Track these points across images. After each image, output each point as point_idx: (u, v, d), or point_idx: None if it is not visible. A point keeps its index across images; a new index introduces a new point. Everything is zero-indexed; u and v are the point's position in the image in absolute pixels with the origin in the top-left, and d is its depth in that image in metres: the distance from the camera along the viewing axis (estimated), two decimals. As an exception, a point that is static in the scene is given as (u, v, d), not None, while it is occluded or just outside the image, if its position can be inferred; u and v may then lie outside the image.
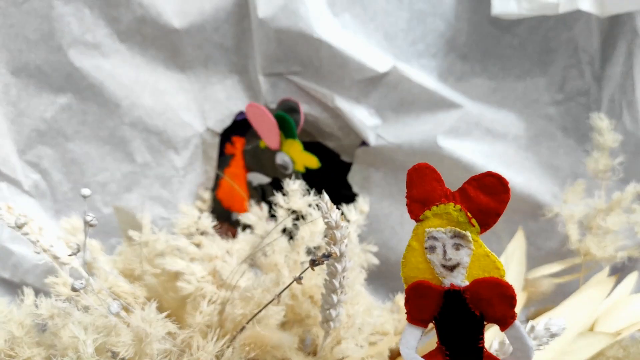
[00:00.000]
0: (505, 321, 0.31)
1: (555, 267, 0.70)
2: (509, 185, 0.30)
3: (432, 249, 0.32)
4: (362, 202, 0.60)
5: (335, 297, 0.42)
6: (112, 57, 0.76)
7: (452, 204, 0.31)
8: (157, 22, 0.76)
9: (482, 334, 0.32)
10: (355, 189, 0.86)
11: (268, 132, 0.77)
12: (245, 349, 0.44)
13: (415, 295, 0.33)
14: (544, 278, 0.67)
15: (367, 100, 0.80)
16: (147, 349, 0.41)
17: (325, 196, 0.37)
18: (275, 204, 0.55)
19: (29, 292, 0.52)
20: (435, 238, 0.32)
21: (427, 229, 0.32)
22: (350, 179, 0.86)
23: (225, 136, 0.86)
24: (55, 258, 0.48)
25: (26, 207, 0.75)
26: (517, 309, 0.54)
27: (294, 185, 0.54)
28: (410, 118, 0.80)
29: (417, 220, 0.32)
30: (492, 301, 0.31)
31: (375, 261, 0.64)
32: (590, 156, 0.71)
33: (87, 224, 0.45)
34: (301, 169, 0.76)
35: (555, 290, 0.61)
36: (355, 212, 0.58)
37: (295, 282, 0.42)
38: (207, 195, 0.89)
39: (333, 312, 0.43)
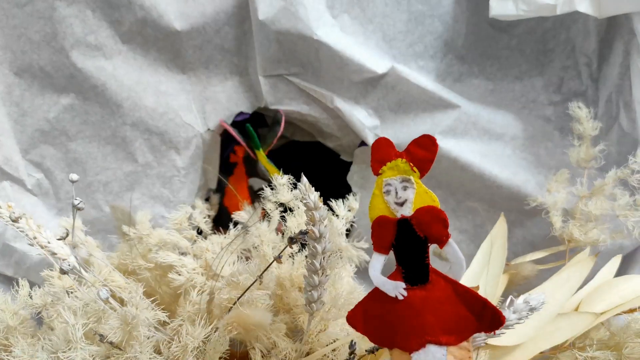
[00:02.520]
0: (442, 239, 0.41)
1: (539, 254, 0.72)
2: (437, 142, 0.42)
3: (388, 192, 0.42)
4: (352, 200, 0.61)
5: (316, 278, 0.45)
6: (114, 59, 0.77)
7: (400, 159, 0.42)
8: (159, 24, 0.77)
9: (427, 253, 0.41)
10: (354, 188, 0.86)
11: (242, 143, 0.80)
12: (228, 329, 0.45)
13: (378, 228, 0.43)
14: (527, 263, 0.69)
15: (366, 100, 0.81)
16: (134, 331, 0.42)
17: (304, 179, 0.43)
18: (263, 198, 0.56)
19: (24, 283, 0.53)
20: (389, 184, 0.42)
21: (384, 179, 0.42)
22: (349, 178, 0.87)
23: (226, 137, 0.87)
24: (53, 254, 0.49)
25: (29, 205, 0.76)
26: (498, 292, 0.61)
27: (282, 180, 0.56)
28: (408, 118, 0.80)
29: (377, 174, 0.43)
30: (430, 224, 0.41)
31: (368, 258, 0.64)
32: (573, 147, 0.73)
33: (75, 207, 0.47)
34: None
35: (540, 276, 0.62)
36: (344, 208, 0.59)
37: (276, 262, 0.44)
38: (215, 199, 0.90)
39: (315, 293, 0.45)
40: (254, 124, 0.83)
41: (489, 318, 0.39)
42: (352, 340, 0.47)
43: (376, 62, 0.78)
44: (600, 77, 0.80)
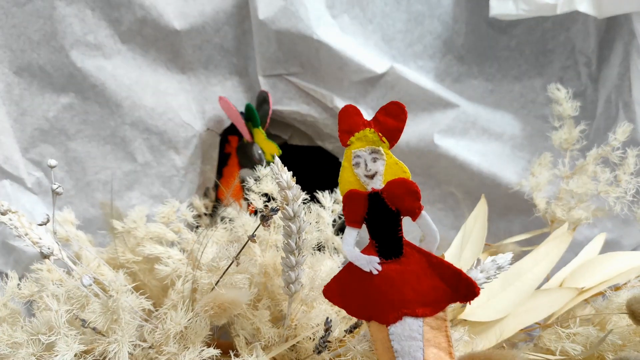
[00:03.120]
0: (414, 212, 0.40)
1: (522, 236, 0.72)
2: (406, 109, 0.40)
3: (357, 164, 0.41)
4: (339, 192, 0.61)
5: (293, 258, 0.45)
6: (114, 58, 0.77)
7: (368, 128, 0.41)
8: (158, 24, 0.77)
9: (400, 226, 0.41)
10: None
11: (238, 124, 0.80)
12: (205, 309, 0.45)
13: (348, 202, 0.42)
14: (509, 244, 0.70)
15: (366, 100, 0.81)
16: (115, 316, 0.42)
17: (277, 159, 0.43)
18: (247, 189, 0.57)
19: (13, 275, 0.54)
20: (358, 156, 0.41)
21: (353, 151, 0.41)
22: (349, 179, 0.87)
23: (225, 136, 0.87)
24: (44, 248, 0.49)
25: (29, 204, 0.77)
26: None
27: (265, 170, 0.56)
28: (407, 118, 0.80)
29: (346, 146, 0.42)
30: (402, 196, 0.40)
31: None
32: (555, 129, 0.74)
33: (54, 192, 0.47)
34: (270, 158, 0.78)
35: (522, 257, 0.62)
36: (331, 200, 0.59)
37: (259, 250, 0.44)
38: (212, 195, 0.90)
39: (292, 274, 0.46)
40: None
41: (464, 288, 0.39)
42: (327, 318, 0.46)
43: (376, 62, 0.79)
44: (599, 78, 0.80)
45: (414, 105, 0.80)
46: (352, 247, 0.42)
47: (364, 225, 0.43)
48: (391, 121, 0.40)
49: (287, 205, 0.43)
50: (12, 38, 0.72)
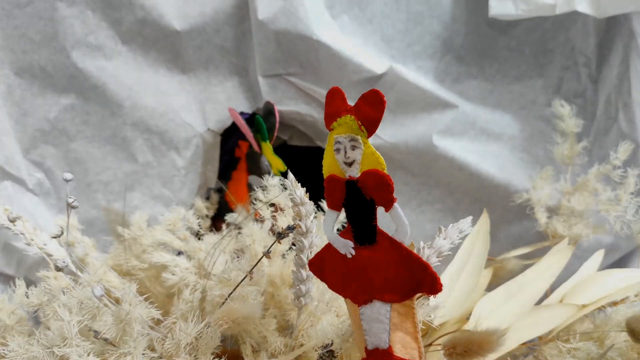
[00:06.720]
0: (387, 204, 0.40)
1: (524, 250, 0.74)
2: (385, 99, 0.38)
3: (338, 150, 0.40)
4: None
5: (304, 272, 0.46)
6: (115, 59, 0.78)
7: (349, 115, 0.39)
8: (159, 24, 0.77)
9: (375, 214, 0.41)
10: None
11: (247, 135, 0.80)
12: (218, 323, 0.45)
13: (329, 186, 0.42)
14: (512, 258, 0.71)
15: (365, 100, 0.81)
16: (128, 328, 0.43)
17: (291, 175, 0.43)
18: (255, 199, 0.57)
19: (20, 283, 0.54)
20: (339, 142, 0.40)
21: (335, 136, 0.41)
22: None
23: (226, 137, 0.88)
24: (49, 255, 0.49)
25: (30, 205, 0.77)
26: (482, 285, 0.62)
27: (272, 181, 0.57)
28: (406, 118, 0.81)
29: (329, 130, 0.41)
30: (375, 187, 0.40)
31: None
32: (558, 144, 0.75)
33: (69, 205, 0.47)
34: (276, 172, 0.78)
35: (524, 271, 0.63)
36: None
37: (267, 260, 0.44)
38: (215, 197, 0.90)
39: (303, 288, 0.46)
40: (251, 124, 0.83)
41: (428, 282, 0.40)
42: (331, 341, 0.47)
43: (375, 62, 0.79)
44: (599, 78, 0.80)
45: (413, 106, 0.80)
46: (331, 229, 0.43)
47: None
48: (370, 110, 0.39)
49: (300, 220, 0.44)
50: (13, 39, 0.73)
